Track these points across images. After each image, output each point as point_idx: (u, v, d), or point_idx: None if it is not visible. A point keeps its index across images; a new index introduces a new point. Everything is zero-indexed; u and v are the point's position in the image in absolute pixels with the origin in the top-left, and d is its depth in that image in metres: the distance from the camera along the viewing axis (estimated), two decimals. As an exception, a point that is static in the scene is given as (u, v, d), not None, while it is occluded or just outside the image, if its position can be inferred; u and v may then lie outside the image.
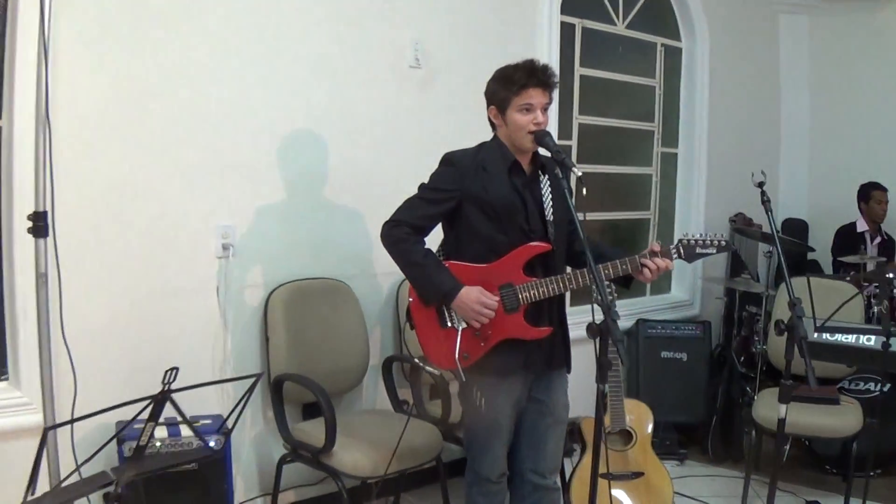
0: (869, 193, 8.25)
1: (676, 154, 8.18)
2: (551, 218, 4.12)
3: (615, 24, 7.41)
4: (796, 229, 9.16)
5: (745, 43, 8.70)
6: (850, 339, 4.60)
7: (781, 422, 4.05)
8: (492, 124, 4.20)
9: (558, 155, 3.89)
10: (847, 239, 8.27)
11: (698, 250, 4.16)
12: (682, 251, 4.17)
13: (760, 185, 4.38)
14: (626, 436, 5.55)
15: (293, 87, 5.30)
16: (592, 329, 3.54)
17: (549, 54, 6.53)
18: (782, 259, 4.13)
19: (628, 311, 7.25)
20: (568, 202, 3.96)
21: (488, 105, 4.15)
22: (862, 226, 8.32)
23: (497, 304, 4.00)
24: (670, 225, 8.23)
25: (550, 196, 4.15)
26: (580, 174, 3.77)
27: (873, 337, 4.49)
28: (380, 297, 5.80)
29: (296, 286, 5.31)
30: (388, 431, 4.84)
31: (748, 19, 8.76)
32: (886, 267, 7.46)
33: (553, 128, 6.48)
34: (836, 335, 4.59)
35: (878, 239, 8.30)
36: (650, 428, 5.64)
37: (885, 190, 8.21)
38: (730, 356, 7.18)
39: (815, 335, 4.49)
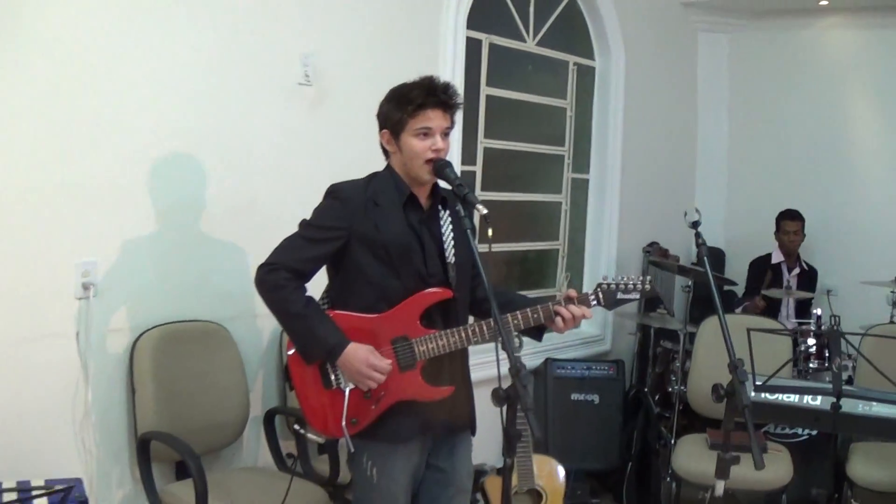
0: (779, 223, 8.06)
1: (588, 180, 7.81)
2: (452, 260, 3.67)
3: (525, 41, 7.02)
4: (712, 259, 8.70)
5: (662, 62, 8.45)
6: (794, 398, 4.24)
7: (718, 499, 3.61)
8: (384, 151, 3.72)
9: (460, 189, 3.45)
10: (760, 270, 8.09)
11: (620, 296, 3.78)
12: (601, 298, 3.77)
13: (695, 224, 3.93)
14: (536, 496, 5.21)
15: (167, 106, 4.71)
16: (499, 396, 3.10)
17: (452, 72, 6.08)
18: (723, 317, 3.65)
19: (535, 350, 6.76)
20: (471, 242, 3.43)
21: (380, 128, 3.67)
22: (777, 256, 8.11)
23: (390, 365, 3.53)
24: (580, 256, 7.86)
25: (452, 235, 3.69)
26: (485, 212, 3.35)
27: (820, 397, 4.11)
28: (261, 342, 5.27)
29: (166, 330, 4.75)
30: (267, 493, 4.42)
31: (666, 38, 8.51)
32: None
33: (456, 152, 6.10)
34: (778, 395, 4.21)
35: (797, 270, 8.07)
36: (562, 485, 5.33)
37: (797, 219, 8.00)
38: (645, 398, 6.84)
39: (754, 394, 4.09)
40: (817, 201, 8.36)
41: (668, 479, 5.79)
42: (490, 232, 3.31)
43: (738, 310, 7.78)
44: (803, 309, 7.72)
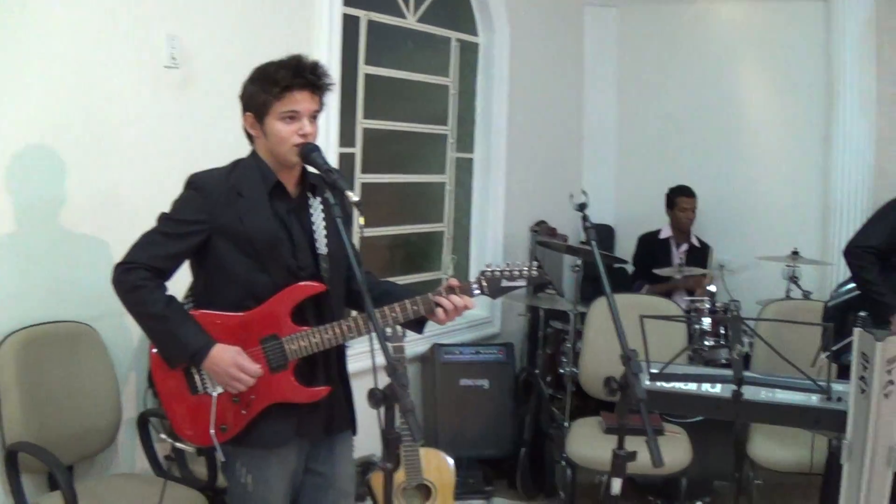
0: (674, 199, 7.98)
1: (472, 159, 7.64)
2: (324, 251, 3.46)
3: (405, 18, 6.82)
4: (602, 235, 8.75)
5: (548, 38, 8.32)
6: (693, 387, 4.11)
7: (613, 498, 3.46)
8: (248, 136, 3.49)
9: (329, 175, 3.24)
10: (650, 247, 8.04)
11: (504, 283, 3.59)
12: (484, 286, 3.58)
13: (581, 207, 3.76)
14: (426, 490, 5.05)
15: (23, 92, 4.39)
16: (375, 397, 2.92)
17: (329, 51, 5.84)
18: (614, 306, 3.47)
19: (419, 335, 6.58)
20: (342, 232, 3.24)
21: (244, 111, 3.44)
22: (666, 232, 8.06)
23: (259, 368, 3.32)
24: (466, 237, 7.70)
25: (323, 224, 3.47)
26: (356, 199, 3.13)
27: (720, 384, 3.98)
28: (132, 341, 4.97)
29: (29, 334, 4.45)
30: (143, 501, 4.20)
31: (552, 12, 8.38)
32: (703, 280, 7.17)
33: (334, 134, 5.89)
34: (676, 383, 4.07)
35: (686, 246, 8.02)
36: (451, 478, 5.18)
37: (692, 196, 7.94)
38: (536, 381, 6.70)
39: (650, 383, 3.94)
40: (708, 176, 8.34)
41: (563, 463, 5.68)
42: (362, 220, 3.12)
43: (644, 290, 7.70)
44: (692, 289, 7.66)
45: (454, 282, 3.52)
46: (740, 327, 4.01)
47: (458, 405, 6.52)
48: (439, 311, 3.47)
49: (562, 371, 6.65)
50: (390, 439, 2.95)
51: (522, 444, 6.45)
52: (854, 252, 5.24)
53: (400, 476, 4.93)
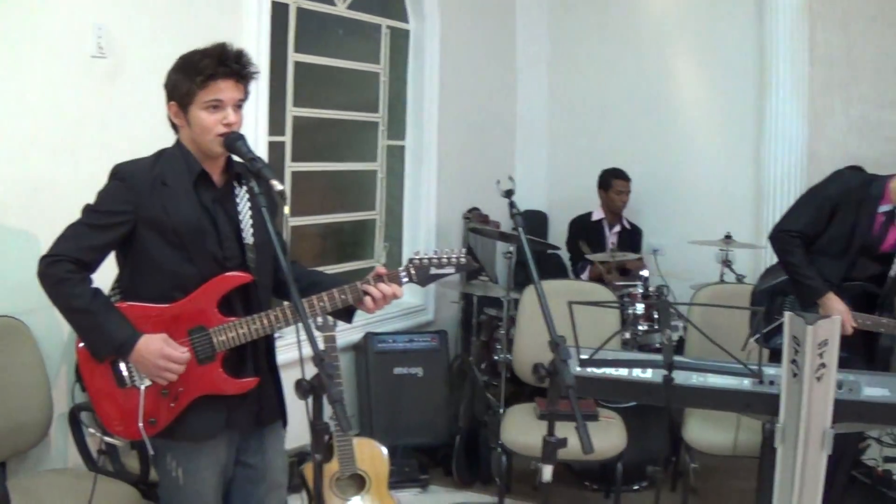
0: (609, 182, 7.96)
1: (404, 147, 7.60)
2: (251, 241, 3.42)
3: (335, 4, 6.76)
4: (535, 221, 8.85)
5: (479, 23, 8.31)
6: (624, 372, 4.11)
7: (545, 485, 3.45)
8: (173, 125, 3.43)
9: (253, 164, 3.20)
10: (582, 229, 8.01)
11: (433, 271, 3.58)
12: (413, 274, 3.57)
13: (508, 193, 3.75)
14: (360, 480, 5.02)
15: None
16: (303, 388, 2.90)
17: (258, 38, 5.78)
18: (541, 292, 3.47)
19: (354, 323, 6.50)
20: (266, 222, 3.20)
21: (168, 100, 3.38)
22: (598, 214, 8.06)
23: (187, 354, 3.27)
24: (399, 225, 7.66)
25: (249, 213, 3.42)
26: (281, 188, 3.10)
27: (651, 369, 3.99)
28: (62, 334, 4.87)
29: (-42, 329, 4.37)
30: (75, 496, 4.12)
31: (484, -2, 8.34)
32: (638, 264, 7.19)
33: (263, 123, 5.83)
34: (607, 369, 4.06)
35: (618, 228, 8.04)
36: (385, 468, 5.16)
37: (627, 179, 7.95)
38: (470, 369, 6.69)
39: (580, 369, 3.93)
40: (641, 161, 8.33)
41: (499, 450, 5.65)
42: (287, 210, 3.11)
43: (584, 276, 7.70)
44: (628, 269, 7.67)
45: (382, 270, 3.51)
46: (669, 312, 4.01)
47: (392, 394, 6.49)
48: (367, 299, 3.46)
49: (496, 358, 6.63)
50: (318, 430, 2.92)
51: (457, 431, 6.43)
52: (779, 237, 5.28)
53: (333, 466, 4.90)
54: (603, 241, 7.83)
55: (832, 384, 3.66)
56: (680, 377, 3.91)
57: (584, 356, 3.88)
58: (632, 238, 8.05)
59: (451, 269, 3.57)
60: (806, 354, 3.52)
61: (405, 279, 3.52)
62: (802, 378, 3.57)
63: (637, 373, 4.08)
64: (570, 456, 5.10)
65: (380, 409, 6.43)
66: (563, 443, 3.39)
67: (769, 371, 3.89)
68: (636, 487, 6.07)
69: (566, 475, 6.29)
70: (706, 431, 5.48)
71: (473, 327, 7.12)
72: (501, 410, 6.05)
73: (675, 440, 5.78)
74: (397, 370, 6.56)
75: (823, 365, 3.57)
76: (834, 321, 3.56)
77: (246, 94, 3.38)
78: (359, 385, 6.62)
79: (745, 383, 3.94)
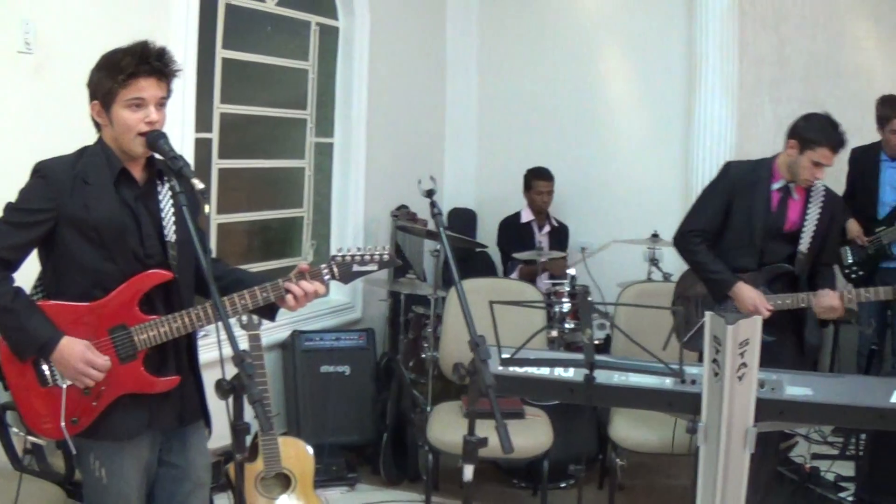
0: (531, 183, 8.00)
1: (332, 144, 7.58)
2: (173, 239, 3.39)
3: (264, 1, 6.72)
4: (464, 219, 8.85)
5: (409, 21, 8.31)
6: (546, 371, 4.12)
7: (468, 485, 3.46)
8: (96, 124, 3.39)
9: (174, 162, 3.19)
10: (512, 231, 8.03)
11: (356, 268, 3.57)
12: (335, 271, 3.55)
13: (429, 193, 3.75)
14: (285, 479, 5.02)
15: None
16: (223, 388, 2.90)
17: (185, 34, 5.72)
18: (461, 293, 3.48)
19: (281, 321, 6.48)
20: (186, 220, 3.20)
21: (91, 99, 3.34)
22: (527, 215, 8.07)
23: (108, 363, 3.25)
24: (327, 222, 7.64)
25: (171, 211, 3.40)
26: (201, 186, 3.10)
27: (573, 368, 4.01)
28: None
29: None
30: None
31: (414, -5, 8.36)
32: (563, 263, 7.23)
33: (189, 119, 5.77)
34: (529, 368, 4.07)
35: (548, 228, 8.06)
36: (311, 466, 5.16)
37: (549, 179, 7.96)
38: (397, 367, 6.67)
39: (502, 368, 3.94)
40: (570, 159, 8.39)
41: (426, 448, 5.66)
42: (207, 208, 3.10)
43: (514, 275, 7.71)
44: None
45: (304, 267, 3.49)
46: (589, 311, 4.02)
47: (319, 392, 6.48)
48: (289, 297, 3.44)
49: (423, 355, 6.65)
50: (239, 430, 2.91)
51: (385, 429, 6.42)
52: (681, 239, 5.37)
53: (259, 465, 4.88)
54: (533, 242, 7.83)
55: (754, 383, 3.69)
56: (601, 376, 3.92)
57: (505, 355, 3.89)
58: (561, 236, 8.09)
59: (373, 266, 3.57)
60: (726, 354, 3.55)
61: (327, 276, 3.51)
62: (723, 377, 3.60)
63: (559, 372, 4.08)
64: (495, 454, 5.16)
65: (307, 408, 6.41)
66: (483, 442, 3.39)
67: (691, 370, 3.93)
68: (563, 485, 6.11)
69: (494, 473, 6.31)
70: (632, 429, 5.53)
71: (401, 325, 7.13)
72: (429, 408, 6.07)
73: (603, 438, 5.83)
74: (324, 368, 6.55)
75: (745, 364, 3.60)
76: (754, 321, 3.59)
77: (168, 91, 3.35)
78: (286, 383, 6.58)
79: (667, 382, 3.96)
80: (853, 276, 7.02)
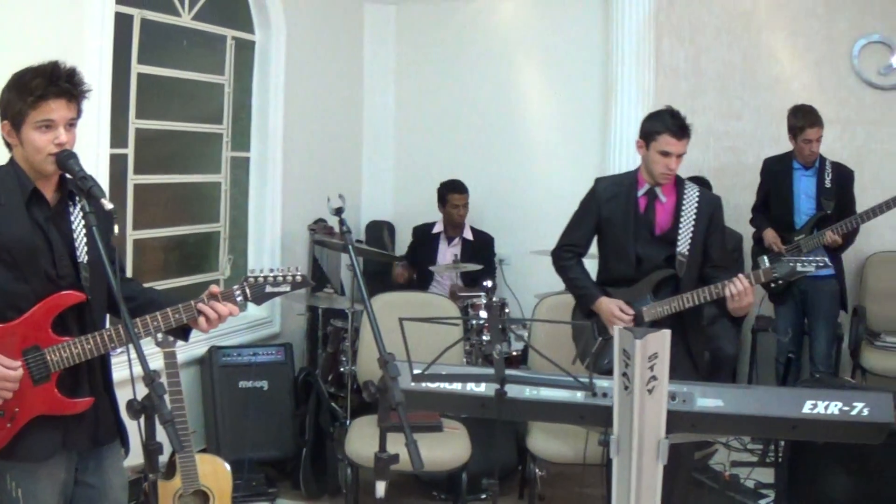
0: (445, 196, 8.01)
1: (249, 158, 7.57)
2: (85, 259, 3.37)
3: (180, 16, 6.69)
4: (382, 231, 8.90)
5: (326, 35, 8.33)
6: (458, 386, 4.13)
7: (381, 500, 3.48)
8: (7, 144, 3.36)
9: (84, 182, 3.19)
10: (422, 239, 8.12)
11: (269, 289, 3.58)
12: (248, 292, 3.56)
13: (338, 211, 3.77)
14: (203, 496, 4.99)
15: None
16: (133, 408, 2.93)
17: (100, 50, 5.68)
18: (370, 311, 3.51)
19: (198, 338, 6.47)
20: (101, 239, 3.20)
21: (1, 119, 3.32)
22: (439, 227, 8.12)
23: (20, 370, 3.22)
24: (244, 237, 7.61)
25: (83, 231, 3.39)
26: (110, 207, 3.12)
27: (484, 384, 4.03)
28: None
29: None
30: None
31: (330, 9, 8.40)
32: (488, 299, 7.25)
33: (105, 135, 5.71)
34: (440, 383, 4.09)
35: (458, 241, 8.10)
36: (229, 483, 5.14)
37: (462, 192, 7.99)
38: (315, 381, 6.67)
39: (414, 384, 3.96)
40: (488, 170, 8.49)
41: (345, 462, 5.67)
42: (116, 229, 3.17)
43: (401, 265, 7.75)
44: (473, 279, 7.74)
45: (215, 289, 3.49)
46: (499, 327, 4.06)
47: (238, 408, 6.45)
48: (201, 319, 3.45)
49: (342, 369, 6.68)
50: (151, 450, 2.92)
51: (304, 444, 6.41)
52: (554, 255, 5.47)
53: (177, 483, 4.87)
54: (436, 254, 7.91)
55: (664, 396, 3.71)
56: (513, 391, 3.92)
57: (417, 371, 3.90)
58: (478, 248, 8.09)
59: (286, 288, 3.59)
60: (636, 368, 3.58)
61: (240, 298, 3.52)
62: (633, 391, 3.63)
63: (471, 387, 4.07)
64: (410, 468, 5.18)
65: (226, 424, 6.38)
66: (394, 459, 3.41)
67: (602, 383, 3.93)
68: (483, 496, 6.13)
69: (414, 485, 6.35)
70: (549, 441, 5.57)
71: (319, 339, 7.15)
72: (348, 422, 6.08)
73: (522, 449, 5.86)
74: (242, 384, 6.53)
75: (654, 378, 3.63)
76: (663, 335, 3.63)
77: (78, 112, 3.33)
78: (204, 399, 6.55)
79: (579, 396, 3.97)
80: (772, 283, 7.12)
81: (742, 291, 4.80)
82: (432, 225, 8.12)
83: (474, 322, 6.67)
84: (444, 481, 6.18)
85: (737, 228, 7.81)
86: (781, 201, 7.12)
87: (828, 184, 6.87)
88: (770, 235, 7.08)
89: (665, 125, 5.01)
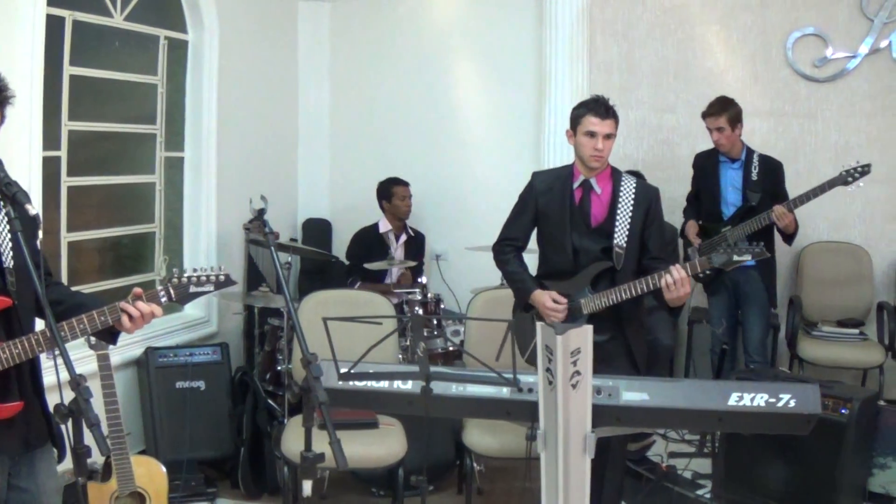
0: (390, 191, 8.04)
1: (183, 158, 7.53)
2: (11, 264, 3.38)
3: (112, 17, 6.64)
4: (319, 230, 8.90)
5: (260, 33, 8.32)
6: (384, 384, 4.17)
7: (306, 500, 3.53)
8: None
9: (8, 188, 3.18)
10: (367, 243, 8.10)
11: (192, 289, 3.64)
12: (171, 293, 3.61)
13: (260, 213, 3.80)
14: (139, 498, 5.00)
15: None
16: (60, 412, 2.94)
17: (31, 52, 5.63)
18: (293, 312, 3.55)
19: (134, 339, 6.45)
20: (26, 245, 3.20)
21: None
22: (385, 226, 8.13)
23: None
24: (179, 237, 7.57)
25: (8, 237, 3.39)
26: (35, 212, 3.12)
27: (410, 381, 4.07)
28: None
29: None
30: None
31: (264, 8, 8.40)
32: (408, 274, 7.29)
33: (37, 138, 5.67)
34: (368, 381, 4.12)
35: (405, 237, 8.16)
36: (164, 484, 5.15)
37: (405, 184, 8.07)
38: (252, 380, 6.70)
39: (342, 383, 3.99)
40: (424, 166, 8.53)
41: (282, 460, 5.67)
42: (41, 234, 3.17)
43: (357, 286, 7.73)
44: (413, 275, 7.81)
45: (139, 291, 3.51)
46: (421, 327, 4.09)
47: (175, 408, 6.44)
48: (125, 319, 3.45)
49: (279, 368, 6.69)
50: (80, 453, 2.93)
51: (241, 443, 6.42)
52: (494, 249, 5.55)
53: (112, 485, 4.87)
54: (388, 253, 7.92)
55: (589, 390, 3.76)
56: (440, 387, 3.94)
57: (344, 370, 3.93)
58: (416, 245, 8.19)
59: (210, 287, 3.62)
60: (558, 363, 3.63)
61: (164, 298, 3.55)
62: (557, 386, 3.68)
63: (398, 384, 4.10)
64: (352, 464, 5.20)
65: (164, 425, 6.37)
66: (320, 458, 3.46)
67: (527, 379, 3.96)
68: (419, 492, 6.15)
69: (352, 482, 6.36)
70: (484, 435, 5.62)
71: (256, 338, 7.14)
72: (285, 421, 6.09)
73: (460, 444, 5.88)
74: (179, 384, 6.51)
75: (578, 372, 3.67)
76: (585, 330, 3.68)
77: (2, 117, 3.34)
78: (142, 401, 6.54)
79: (505, 391, 4.00)
80: (701, 274, 7.21)
81: (678, 281, 4.83)
82: (376, 225, 8.14)
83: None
84: (382, 478, 6.20)
85: (671, 221, 7.90)
86: (710, 193, 7.22)
87: (754, 176, 6.96)
88: (690, 229, 7.21)
89: (587, 107, 5.10)
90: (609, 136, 5.09)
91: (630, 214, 5.17)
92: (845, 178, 6.64)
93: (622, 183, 5.24)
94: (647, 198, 5.24)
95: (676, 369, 8.02)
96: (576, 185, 5.24)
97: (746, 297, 7.15)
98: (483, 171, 8.48)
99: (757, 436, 5.55)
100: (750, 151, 7.07)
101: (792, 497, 5.72)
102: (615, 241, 5.14)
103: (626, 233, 5.15)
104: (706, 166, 7.26)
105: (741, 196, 7.02)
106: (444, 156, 8.66)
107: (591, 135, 5.06)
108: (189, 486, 6.11)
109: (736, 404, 3.93)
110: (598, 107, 5.08)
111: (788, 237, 7.00)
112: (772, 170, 7.05)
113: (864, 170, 6.62)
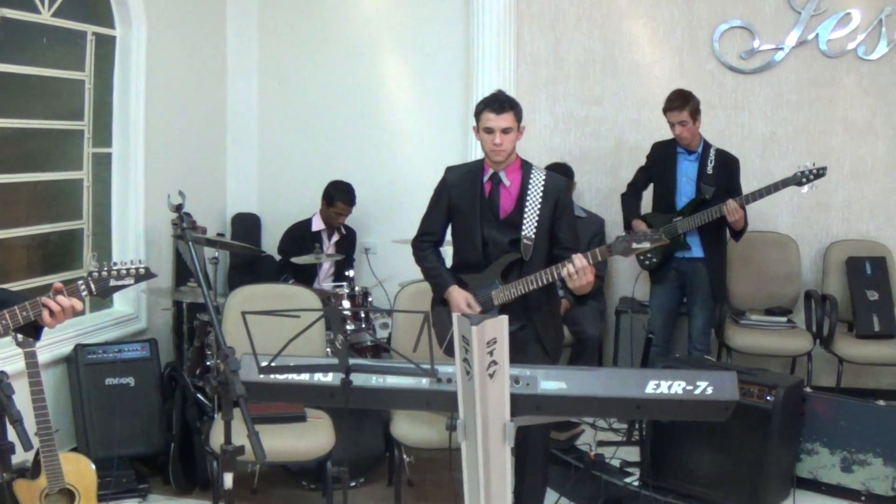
0: (333, 200, 8.06)
1: (111, 154, 7.49)
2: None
3: (39, 12, 6.59)
4: (248, 225, 8.92)
5: (188, 28, 8.29)
6: (305, 377, 4.21)
7: (228, 493, 3.55)
8: None
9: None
10: (299, 238, 8.13)
11: (112, 283, 3.70)
12: (92, 287, 3.65)
13: (178, 208, 3.84)
14: (69, 495, 5.03)
15: None
16: (-20, 409, 2.90)
17: (-45, 50, 5.60)
18: (211, 308, 3.59)
19: (63, 336, 6.53)
20: None
21: None
22: (318, 224, 8.19)
23: None
24: (107, 234, 7.53)
25: None
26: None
27: (331, 374, 4.11)
28: None
29: None
30: None
31: (192, 1, 8.39)
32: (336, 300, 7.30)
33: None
34: (289, 375, 4.16)
35: (337, 236, 8.23)
36: (94, 481, 5.19)
37: (351, 204, 8.09)
38: (181, 376, 6.72)
39: (262, 377, 4.02)
40: (352, 161, 8.59)
41: (212, 455, 5.69)
42: None
43: (291, 281, 7.73)
44: (342, 270, 7.83)
45: (59, 285, 3.54)
46: (339, 318, 4.12)
47: (105, 405, 6.44)
48: (45, 313, 3.48)
49: (208, 363, 6.70)
50: (3, 450, 2.96)
51: (171, 439, 6.44)
52: (413, 244, 5.69)
53: (42, 482, 4.88)
54: (323, 249, 7.95)
55: (506, 380, 3.82)
56: (360, 379, 3.99)
57: (264, 363, 3.96)
58: (347, 241, 8.26)
59: (130, 280, 3.67)
60: (475, 353, 3.68)
61: (84, 292, 3.57)
62: (474, 376, 3.73)
63: (318, 377, 4.13)
64: (279, 457, 5.28)
65: (94, 422, 6.36)
66: (239, 451, 3.50)
67: (446, 369, 4.03)
68: (353, 484, 6.24)
69: (282, 475, 6.41)
70: (411, 427, 5.69)
71: (185, 333, 7.17)
72: (215, 416, 6.08)
73: (389, 436, 5.92)
74: (109, 381, 6.51)
75: (495, 362, 3.73)
76: (500, 320, 3.72)
77: None
78: (72, 398, 6.51)
79: (424, 382, 4.05)
80: (647, 262, 7.32)
81: (580, 269, 4.94)
82: (309, 222, 8.19)
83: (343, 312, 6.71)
84: (313, 471, 6.24)
85: (599, 212, 8.00)
86: (665, 183, 7.33)
87: (709, 170, 7.08)
88: (637, 228, 7.24)
89: (485, 103, 5.24)
90: (507, 131, 5.20)
91: (539, 206, 5.27)
92: (799, 179, 6.82)
93: (531, 175, 5.35)
94: (556, 189, 5.35)
95: (605, 359, 8.11)
96: (485, 178, 5.37)
97: (692, 287, 7.27)
98: (411, 165, 8.54)
99: (684, 423, 5.66)
100: (707, 145, 7.21)
101: (720, 483, 5.85)
102: (523, 233, 5.25)
103: (535, 224, 5.26)
104: (663, 156, 7.36)
105: (695, 188, 7.14)
106: (372, 149, 8.72)
107: (489, 130, 5.19)
108: (120, 482, 6.10)
109: (653, 392, 4.01)
110: (494, 102, 5.20)
111: (737, 233, 7.14)
112: (727, 164, 7.18)
113: (820, 172, 6.81)
